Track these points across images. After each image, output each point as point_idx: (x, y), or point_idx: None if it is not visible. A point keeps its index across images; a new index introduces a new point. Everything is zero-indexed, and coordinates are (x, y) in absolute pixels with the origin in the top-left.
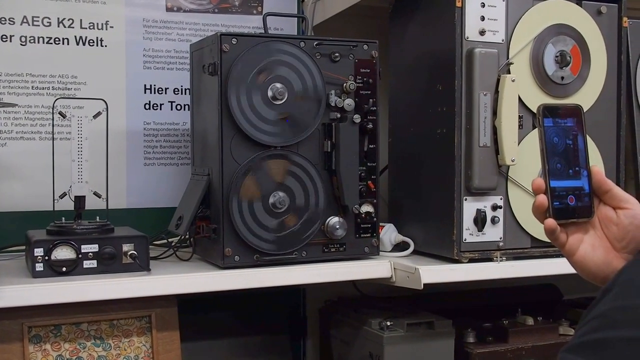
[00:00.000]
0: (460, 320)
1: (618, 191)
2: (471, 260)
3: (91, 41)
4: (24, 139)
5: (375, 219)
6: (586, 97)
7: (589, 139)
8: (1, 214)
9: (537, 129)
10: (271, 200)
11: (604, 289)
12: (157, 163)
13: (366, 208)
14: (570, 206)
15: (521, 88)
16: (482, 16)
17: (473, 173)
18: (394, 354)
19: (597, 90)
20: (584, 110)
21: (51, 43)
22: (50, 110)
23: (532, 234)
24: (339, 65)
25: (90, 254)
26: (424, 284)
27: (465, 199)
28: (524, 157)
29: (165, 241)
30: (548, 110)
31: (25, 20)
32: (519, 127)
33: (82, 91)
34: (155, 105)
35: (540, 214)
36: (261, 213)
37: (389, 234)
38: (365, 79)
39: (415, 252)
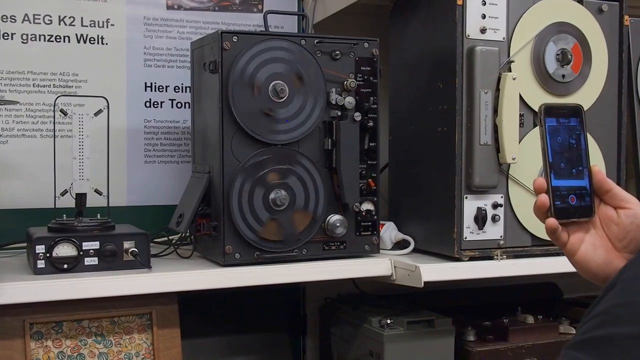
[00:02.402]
0: (460, 319)
1: (619, 191)
2: (471, 259)
3: (92, 39)
4: (25, 137)
5: (375, 217)
6: (587, 95)
7: (589, 138)
8: (3, 211)
9: (538, 128)
10: (272, 197)
11: (606, 287)
12: (158, 161)
13: (366, 206)
14: (572, 206)
15: (522, 86)
16: (483, 14)
17: (474, 171)
18: (394, 352)
19: (598, 89)
20: (585, 109)
21: (52, 41)
22: (52, 107)
23: (533, 232)
24: (339, 63)
25: (91, 251)
26: (424, 282)
27: (466, 197)
28: (525, 156)
29: (166, 239)
30: (549, 110)
31: (26, 18)
32: (519, 126)
33: (83, 89)
34: (155, 103)
35: (541, 213)
36: (262, 211)
37: (389, 232)
38: (365, 77)
39: (416, 250)
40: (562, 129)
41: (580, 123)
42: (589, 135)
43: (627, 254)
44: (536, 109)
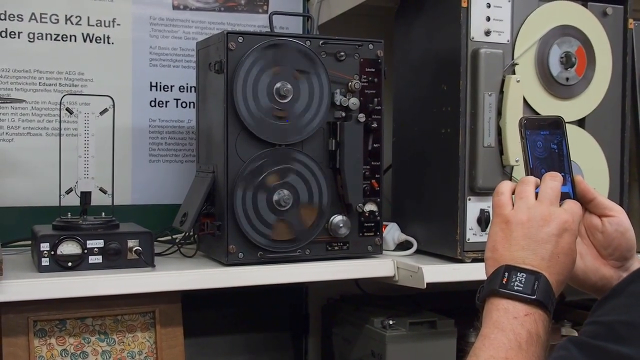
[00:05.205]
0: (462, 320)
1: (602, 199)
2: (474, 260)
3: (98, 38)
4: (31, 135)
5: (378, 217)
6: (591, 98)
7: (593, 140)
8: (8, 209)
9: (520, 141)
10: (275, 197)
11: (615, 289)
12: (162, 160)
13: (370, 207)
14: None
15: (526, 89)
16: (488, 16)
17: (477, 173)
18: (396, 353)
19: (601, 92)
20: (589, 112)
21: (58, 40)
22: (57, 106)
23: None
24: (344, 65)
25: (95, 249)
26: (427, 283)
27: (469, 199)
28: None
29: (169, 237)
30: (529, 122)
31: (33, 17)
32: None
33: (89, 88)
34: (161, 102)
35: None
36: (265, 210)
37: (392, 233)
38: (370, 78)
39: (419, 251)
40: (542, 137)
41: (561, 132)
42: (593, 139)
43: (613, 261)
44: (540, 112)
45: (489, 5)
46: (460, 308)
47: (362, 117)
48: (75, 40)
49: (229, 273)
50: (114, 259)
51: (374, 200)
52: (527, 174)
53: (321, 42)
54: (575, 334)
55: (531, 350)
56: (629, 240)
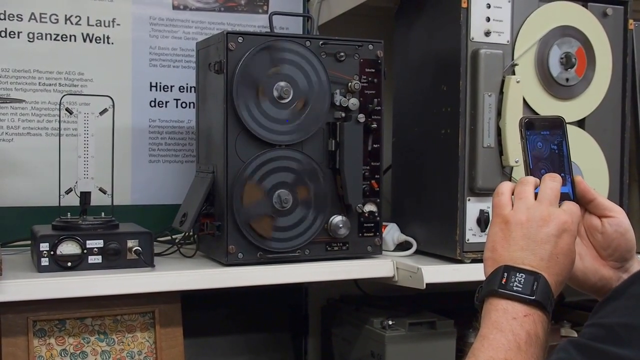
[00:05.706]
0: (462, 320)
1: (602, 200)
2: (474, 261)
3: (98, 38)
4: (30, 135)
5: (378, 218)
6: (591, 99)
7: (593, 141)
8: (7, 209)
9: (520, 141)
10: (275, 197)
11: (616, 290)
12: (162, 160)
13: (369, 207)
14: None
15: (526, 89)
16: (488, 17)
17: (477, 173)
18: (396, 353)
19: (601, 93)
20: (589, 113)
21: (58, 40)
22: (57, 106)
23: None
24: (344, 65)
25: (95, 249)
26: (427, 284)
27: (469, 200)
28: None
29: (169, 238)
30: (530, 123)
31: (32, 17)
32: None
33: (89, 88)
34: (160, 102)
35: None
36: (265, 211)
37: (391, 233)
38: (370, 79)
39: (418, 252)
40: (543, 137)
41: (561, 133)
42: (593, 140)
43: (613, 261)
44: (540, 112)
45: (489, 6)
46: (460, 309)
47: (361, 118)
48: (75, 40)
49: (228, 273)
50: (114, 259)
51: (374, 201)
52: (526, 175)
53: (321, 42)
54: (575, 334)
55: (530, 351)
56: (628, 241)
